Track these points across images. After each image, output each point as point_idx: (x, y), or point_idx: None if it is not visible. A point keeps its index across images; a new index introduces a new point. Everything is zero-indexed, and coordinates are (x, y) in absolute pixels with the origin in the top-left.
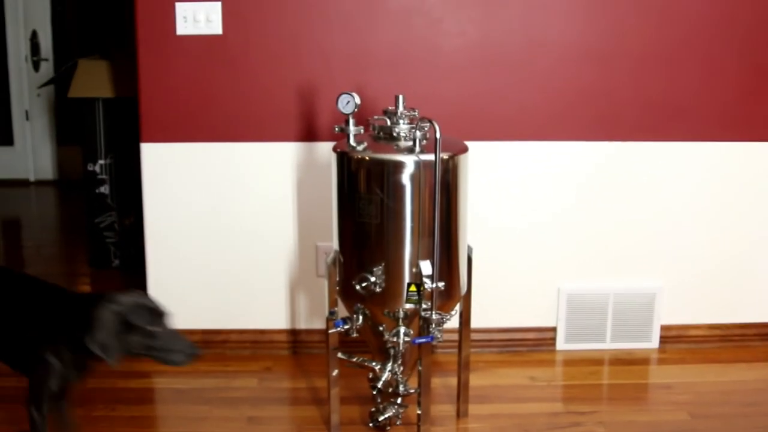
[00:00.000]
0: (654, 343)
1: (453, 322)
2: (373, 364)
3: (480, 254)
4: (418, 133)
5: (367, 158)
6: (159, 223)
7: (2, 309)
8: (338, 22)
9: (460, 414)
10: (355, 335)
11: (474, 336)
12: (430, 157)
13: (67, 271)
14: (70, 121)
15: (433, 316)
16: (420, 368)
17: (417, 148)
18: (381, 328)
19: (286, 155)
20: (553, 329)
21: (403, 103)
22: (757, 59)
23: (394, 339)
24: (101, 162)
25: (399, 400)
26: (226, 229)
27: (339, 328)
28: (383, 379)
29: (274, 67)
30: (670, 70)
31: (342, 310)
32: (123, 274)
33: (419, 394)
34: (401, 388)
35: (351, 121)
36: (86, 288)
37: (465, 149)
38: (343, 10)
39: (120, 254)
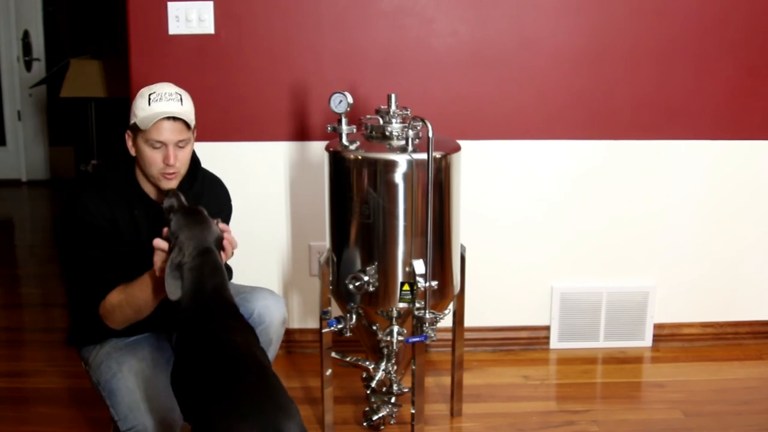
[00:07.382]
0: (647, 341)
1: (446, 321)
2: (367, 363)
3: (473, 253)
4: (411, 132)
5: (359, 157)
6: None
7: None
8: (330, 22)
9: (454, 413)
10: (348, 335)
11: (467, 335)
12: (423, 156)
13: (59, 271)
14: (62, 121)
15: (427, 315)
16: (413, 367)
17: (409, 148)
18: (374, 328)
19: (278, 155)
20: (547, 328)
21: (396, 102)
22: (749, 58)
23: (388, 338)
24: (94, 162)
25: (393, 400)
26: None
27: (332, 328)
28: (377, 378)
29: (266, 67)
30: (664, 70)
31: (335, 310)
32: None
33: (413, 394)
34: (395, 387)
35: (343, 120)
36: None
37: (457, 148)
38: (335, 10)
39: None
